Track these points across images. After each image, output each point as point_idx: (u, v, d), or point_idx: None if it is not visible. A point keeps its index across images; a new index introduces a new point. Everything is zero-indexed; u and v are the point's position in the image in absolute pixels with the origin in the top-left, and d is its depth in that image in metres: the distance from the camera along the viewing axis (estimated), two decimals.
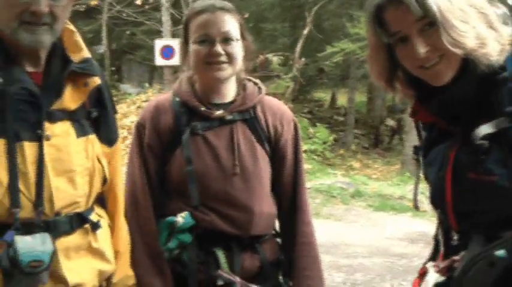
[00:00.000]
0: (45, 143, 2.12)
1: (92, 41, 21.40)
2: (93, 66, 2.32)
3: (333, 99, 25.83)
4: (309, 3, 18.89)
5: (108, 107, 2.41)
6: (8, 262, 2.00)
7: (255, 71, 2.68)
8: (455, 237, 2.02)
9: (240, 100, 2.68)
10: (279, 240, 2.81)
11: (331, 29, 20.26)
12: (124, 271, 2.48)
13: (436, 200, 2.07)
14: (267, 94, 2.78)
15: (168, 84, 15.24)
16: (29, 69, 2.19)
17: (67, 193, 2.17)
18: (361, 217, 10.70)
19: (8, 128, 2.06)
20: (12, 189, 2.05)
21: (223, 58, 2.56)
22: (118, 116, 2.54)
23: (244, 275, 2.61)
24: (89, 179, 2.26)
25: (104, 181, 2.36)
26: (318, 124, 17.61)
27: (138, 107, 15.06)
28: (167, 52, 14.54)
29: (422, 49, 1.85)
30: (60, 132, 2.18)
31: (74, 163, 2.19)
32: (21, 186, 2.07)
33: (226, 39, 2.57)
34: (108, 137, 2.41)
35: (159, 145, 2.64)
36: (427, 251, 2.28)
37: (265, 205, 2.68)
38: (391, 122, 21.38)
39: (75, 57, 2.28)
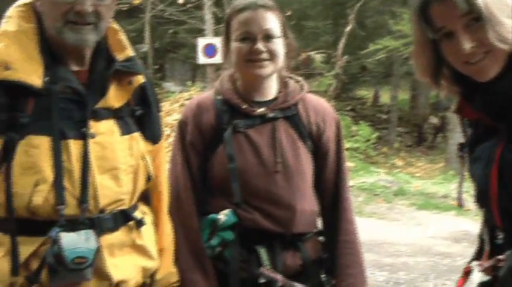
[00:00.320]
0: (90, 141, 2.14)
1: (135, 40, 21.55)
2: (137, 64, 2.33)
3: (376, 97, 25.66)
4: (351, 0, 18.78)
5: (152, 105, 2.43)
6: (53, 258, 2.03)
7: (297, 69, 2.67)
8: (501, 236, 1.99)
9: (282, 98, 2.67)
10: (321, 238, 2.80)
11: (374, 26, 20.12)
12: (167, 267, 2.49)
13: (481, 198, 2.04)
14: (310, 92, 2.77)
15: (210, 82, 15.27)
16: (74, 68, 2.21)
17: (111, 190, 2.19)
18: (404, 216, 10.61)
19: (53, 127, 2.08)
20: (58, 186, 2.07)
21: (265, 55, 2.56)
22: (161, 114, 2.55)
23: (286, 273, 2.60)
24: (133, 177, 2.28)
25: (148, 178, 2.37)
26: (360, 122, 17.48)
27: (181, 105, 15.11)
28: (210, 50, 14.56)
29: (467, 45, 1.82)
30: (104, 130, 2.19)
31: (119, 160, 2.21)
32: (66, 183, 2.09)
33: (268, 37, 2.56)
34: (153, 135, 2.42)
35: (201, 143, 2.65)
36: (471, 250, 2.25)
37: (308, 203, 2.67)
38: (434, 120, 21.13)
39: (119, 56, 2.29)
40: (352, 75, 20.98)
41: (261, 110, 2.63)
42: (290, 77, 2.76)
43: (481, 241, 2.16)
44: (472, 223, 9.14)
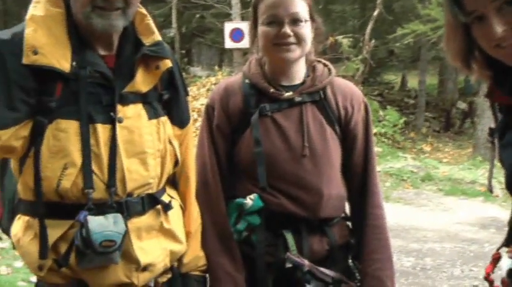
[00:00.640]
0: (118, 125, 2.15)
1: (162, 25, 21.67)
2: (165, 49, 2.33)
3: (403, 81, 25.52)
4: None
5: (180, 89, 2.43)
6: (81, 241, 2.05)
7: (324, 53, 2.65)
8: None
9: (310, 82, 2.66)
10: (349, 223, 2.79)
11: (402, 11, 19.98)
12: (195, 251, 2.51)
13: None
14: (337, 77, 2.75)
15: (237, 67, 15.30)
16: (102, 52, 2.22)
17: (139, 174, 2.20)
18: (431, 201, 10.57)
19: (81, 111, 2.09)
20: (86, 170, 2.09)
21: (292, 39, 2.54)
22: (188, 98, 2.55)
23: (313, 258, 2.60)
24: (161, 161, 2.28)
25: (176, 162, 2.38)
26: (388, 107, 17.42)
27: (208, 89, 15.17)
28: (236, 35, 14.57)
29: (499, 28, 1.79)
30: (132, 114, 2.20)
31: (146, 144, 2.22)
32: (94, 167, 2.10)
33: (295, 21, 2.55)
34: (180, 119, 2.43)
35: (228, 127, 2.65)
36: (499, 236, 2.23)
37: (335, 187, 2.66)
38: (462, 105, 20.99)
39: (147, 41, 2.29)
40: (379, 59, 20.90)
41: (289, 94, 2.62)
42: (318, 61, 2.74)
43: (511, 228, 2.13)
44: (500, 209, 9.09)
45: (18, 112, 2.02)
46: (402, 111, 19.16)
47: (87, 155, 2.08)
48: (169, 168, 2.34)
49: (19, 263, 6.07)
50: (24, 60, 2.02)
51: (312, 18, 2.62)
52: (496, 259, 2.12)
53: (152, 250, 2.26)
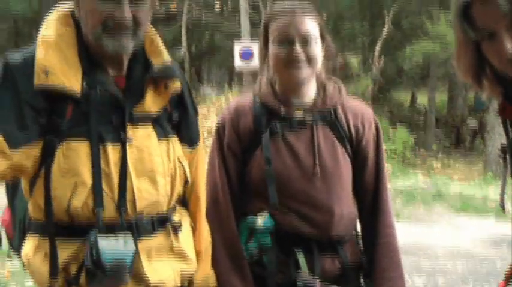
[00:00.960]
0: (128, 145, 2.15)
1: (172, 44, 21.76)
2: (174, 69, 2.33)
3: (413, 98, 25.52)
4: (387, 1, 18.71)
5: (190, 108, 2.43)
6: (91, 262, 2.04)
7: (334, 71, 2.64)
8: None
9: (320, 100, 2.66)
10: (360, 242, 2.78)
11: (411, 28, 20.01)
12: (205, 270, 2.50)
13: None
14: (347, 95, 2.75)
15: (247, 86, 15.33)
16: (112, 73, 2.23)
17: (149, 194, 2.20)
18: (442, 219, 10.52)
19: (92, 131, 2.09)
20: (96, 190, 2.08)
21: (303, 58, 2.54)
22: (198, 117, 2.55)
23: (325, 277, 2.58)
24: (171, 181, 2.28)
25: (186, 182, 2.37)
26: (398, 124, 17.40)
27: (218, 108, 15.20)
28: (246, 54, 14.62)
29: (510, 45, 1.79)
30: (142, 134, 2.20)
31: (156, 164, 2.22)
32: (104, 187, 2.10)
33: (306, 40, 2.55)
34: (190, 139, 2.43)
35: (239, 146, 2.65)
36: (511, 253, 2.21)
37: (346, 206, 2.65)
38: (472, 122, 20.94)
39: (156, 61, 2.30)
40: (389, 77, 20.91)
41: (299, 113, 2.62)
42: (328, 80, 2.74)
43: None
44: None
45: (29, 132, 2.03)
46: (412, 128, 19.12)
47: (97, 175, 2.08)
48: (179, 187, 2.34)
49: (29, 283, 6.07)
50: (36, 81, 2.03)
51: (322, 37, 2.62)
52: (509, 276, 2.11)
53: (162, 270, 2.25)
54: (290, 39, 2.54)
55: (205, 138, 11.69)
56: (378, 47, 16.28)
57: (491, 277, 7.04)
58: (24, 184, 2.19)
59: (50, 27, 2.16)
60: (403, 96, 26.16)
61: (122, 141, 2.14)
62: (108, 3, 2.09)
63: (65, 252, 2.10)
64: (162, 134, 2.27)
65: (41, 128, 2.05)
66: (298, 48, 2.53)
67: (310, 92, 2.68)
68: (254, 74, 15.41)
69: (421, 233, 9.34)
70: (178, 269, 2.32)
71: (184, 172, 2.35)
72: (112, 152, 2.12)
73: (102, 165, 2.10)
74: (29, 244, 2.19)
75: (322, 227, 2.59)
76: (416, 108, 24.04)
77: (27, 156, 2.04)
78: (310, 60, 2.56)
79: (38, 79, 2.04)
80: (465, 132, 20.91)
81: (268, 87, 2.70)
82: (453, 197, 12.09)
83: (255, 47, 14.09)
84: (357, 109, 2.72)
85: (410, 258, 7.61)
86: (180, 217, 2.38)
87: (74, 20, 2.20)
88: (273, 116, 2.63)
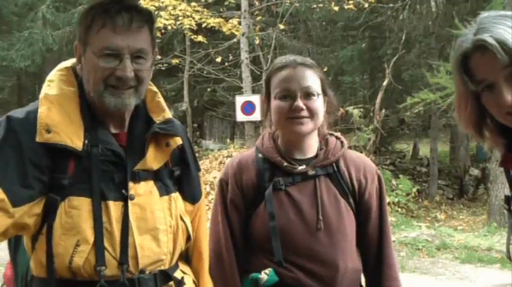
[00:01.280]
0: (130, 203, 2.15)
1: (174, 99, 21.90)
2: (175, 126, 2.35)
3: (415, 150, 25.48)
4: (387, 54, 18.86)
5: (191, 165, 2.44)
6: None
7: (336, 124, 2.66)
8: None
9: (323, 155, 2.66)
10: None
11: (411, 80, 20.14)
12: None
13: None
14: (349, 147, 2.76)
15: (249, 139, 15.35)
16: (114, 130, 2.24)
17: (151, 250, 2.19)
18: (447, 270, 10.41)
19: (94, 188, 2.10)
20: (98, 247, 2.08)
21: (305, 113, 2.55)
22: (200, 173, 2.55)
23: None
24: (173, 237, 2.27)
25: (188, 238, 2.37)
26: (400, 176, 17.35)
27: (221, 162, 15.20)
28: (248, 108, 14.66)
29: (509, 96, 1.79)
30: (143, 191, 2.21)
31: (158, 221, 2.22)
32: (106, 244, 2.10)
33: (308, 94, 2.56)
34: (192, 195, 2.43)
35: (242, 201, 2.64)
36: None
37: (350, 260, 2.63)
38: (475, 172, 20.89)
39: (158, 118, 2.32)
40: (390, 129, 20.94)
41: (302, 167, 2.62)
42: (331, 134, 2.75)
43: None
44: None
45: (32, 190, 2.03)
46: (415, 179, 19.07)
47: (99, 232, 2.08)
48: (181, 244, 2.33)
49: None
50: (38, 139, 2.05)
51: (324, 92, 2.64)
52: None
53: None
54: (292, 93, 2.56)
55: (208, 193, 11.67)
56: (378, 100, 16.31)
57: None
58: (26, 240, 2.19)
59: (53, 85, 2.18)
60: (405, 147, 26.18)
61: (124, 199, 2.14)
62: (111, 61, 2.11)
63: None
64: (164, 190, 2.28)
65: (43, 186, 2.06)
66: (300, 102, 2.54)
67: (312, 146, 2.68)
68: (256, 128, 15.45)
69: (426, 285, 9.24)
70: None
71: (187, 228, 2.34)
72: (114, 210, 2.12)
73: (104, 222, 2.10)
74: None
75: (327, 282, 2.57)
76: (419, 159, 24.00)
77: (30, 213, 2.04)
78: (312, 114, 2.56)
79: (41, 137, 2.05)
80: (468, 182, 20.84)
81: (271, 141, 2.70)
82: (458, 248, 11.98)
83: (257, 101, 14.15)
84: (359, 162, 2.72)
85: None
86: (183, 273, 2.36)
87: (75, 77, 2.22)
88: (276, 170, 2.63)
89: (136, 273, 2.16)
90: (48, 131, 2.06)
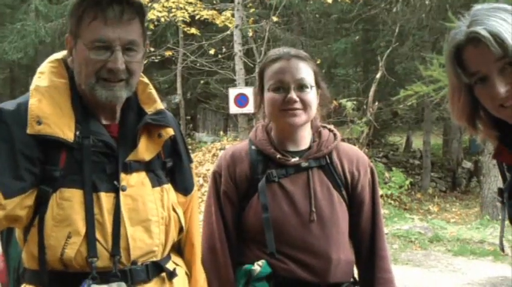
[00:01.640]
0: (121, 194, 2.14)
1: (167, 91, 21.85)
2: (167, 117, 2.35)
3: (408, 142, 25.52)
4: (380, 47, 18.86)
5: (183, 156, 2.43)
6: None
7: (329, 116, 2.65)
8: None
9: (316, 147, 2.66)
10: None
11: (404, 72, 20.13)
12: None
13: None
14: (342, 140, 2.76)
15: (242, 132, 15.35)
16: (105, 122, 2.24)
17: (143, 242, 2.19)
18: (440, 262, 10.44)
19: (85, 180, 2.10)
20: (90, 239, 2.08)
21: (298, 105, 2.55)
22: (193, 164, 2.55)
23: None
24: (165, 228, 2.27)
25: (180, 229, 2.36)
26: (393, 168, 17.38)
27: (214, 155, 15.19)
28: (241, 100, 14.65)
29: (502, 89, 1.80)
30: (135, 183, 2.20)
31: (150, 212, 2.21)
32: (98, 236, 2.09)
33: (301, 86, 2.56)
34: (184, 186, 2.42)
35: (235, 193, 2.64)
36: None
37: (343, 252, 2.63)
38: (468, 165, 20.96)
39: (149, 109, 2.31)
40: (383, 121, 20.95)
41: (295, 159, 2.62)
42: (323, 126, 2.75)
43: None
44: (510, 268, 8.95)
45: (23, 182, 2.03)
46: (408, 172, 19.11)
47: (91, 223, 2.08)
48: (173, 235, 2.33)
49: None
50: (29, 130, 2.04)
51: (317, 84, 2.64)
52: None
53: None
54: (285, 86, 2.56)
55: (201, 185, 11.66)
56: (372, 92, 16.32)
57: None
58: (18, 233, 2.19)
59: (43, 77, 2.18)
60: (398, 140, 26.22)
61: (116, 190, 2.14)
62: (102, 53, 2.11)
63: None
64: (156, 182, 2.28)
65: (35, 177, 2.05)
66: (293, 94, 2.54)
67: (305, 138, 2.68)
68: (249, 120, 15.45)
69: (419, 277, 9.26)
70: None
71: (179, 220, 2.34)
72: (106, 201, 2.11)
73: (96, 214, 2.10)
74: None
75: (320, 274, 2.57)
76: (412, 152, 24.05)
77: (22, 205, 2.04)
78: (305, 106, 2.56)
79: (31, 128, 2.05)
80: (461, 175, 20.90)
81: (264, 134, 2.70)
82: (450, 241, 12.01)
83: (250, 93, 14.14)
84: (352, 155, 2.72)
85: None
86: (175, 265, 2.36)
87: (66, 69, 2.22)
88: (269, 162, 2.63)
89: (128, 264, 2.16)
90: (39, 123, 2.05)
